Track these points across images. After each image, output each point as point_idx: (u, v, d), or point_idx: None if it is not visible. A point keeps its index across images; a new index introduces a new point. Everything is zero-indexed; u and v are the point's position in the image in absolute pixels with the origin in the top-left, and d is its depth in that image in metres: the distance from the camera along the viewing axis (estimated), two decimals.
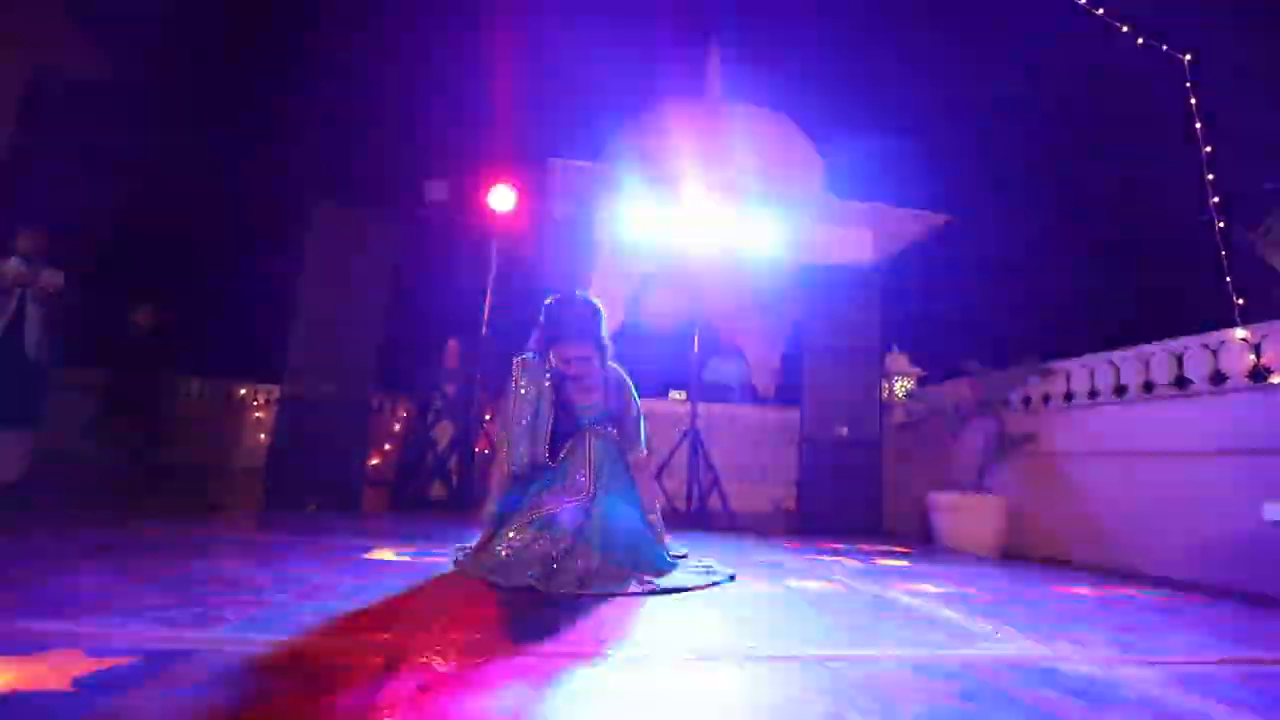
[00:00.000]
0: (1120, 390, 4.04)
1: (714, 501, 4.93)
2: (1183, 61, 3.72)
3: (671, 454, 5.21)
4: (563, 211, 4.95)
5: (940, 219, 6.83)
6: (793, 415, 6.11)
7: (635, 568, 2.09)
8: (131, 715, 0.88)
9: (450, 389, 5.28)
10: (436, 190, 5.01)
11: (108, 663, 1.06)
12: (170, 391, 7.32)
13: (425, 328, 5.44)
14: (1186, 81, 3.76)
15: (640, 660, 1.34)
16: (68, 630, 1.22)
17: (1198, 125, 3.66)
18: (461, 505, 4.61)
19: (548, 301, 2.41)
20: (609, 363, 2.50)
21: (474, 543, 2.34)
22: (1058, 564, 3.77)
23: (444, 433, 5.13)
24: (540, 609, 1.73)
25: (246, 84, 8.02)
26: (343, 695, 1.00)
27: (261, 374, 8.17)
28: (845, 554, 3.48)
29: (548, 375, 2.34)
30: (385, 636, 1.34)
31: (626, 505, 2.20)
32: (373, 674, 1.11)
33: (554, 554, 2.01)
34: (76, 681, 0.98)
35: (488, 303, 4.95)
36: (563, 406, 2.34)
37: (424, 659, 1.21)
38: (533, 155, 5.66)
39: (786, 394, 7.63)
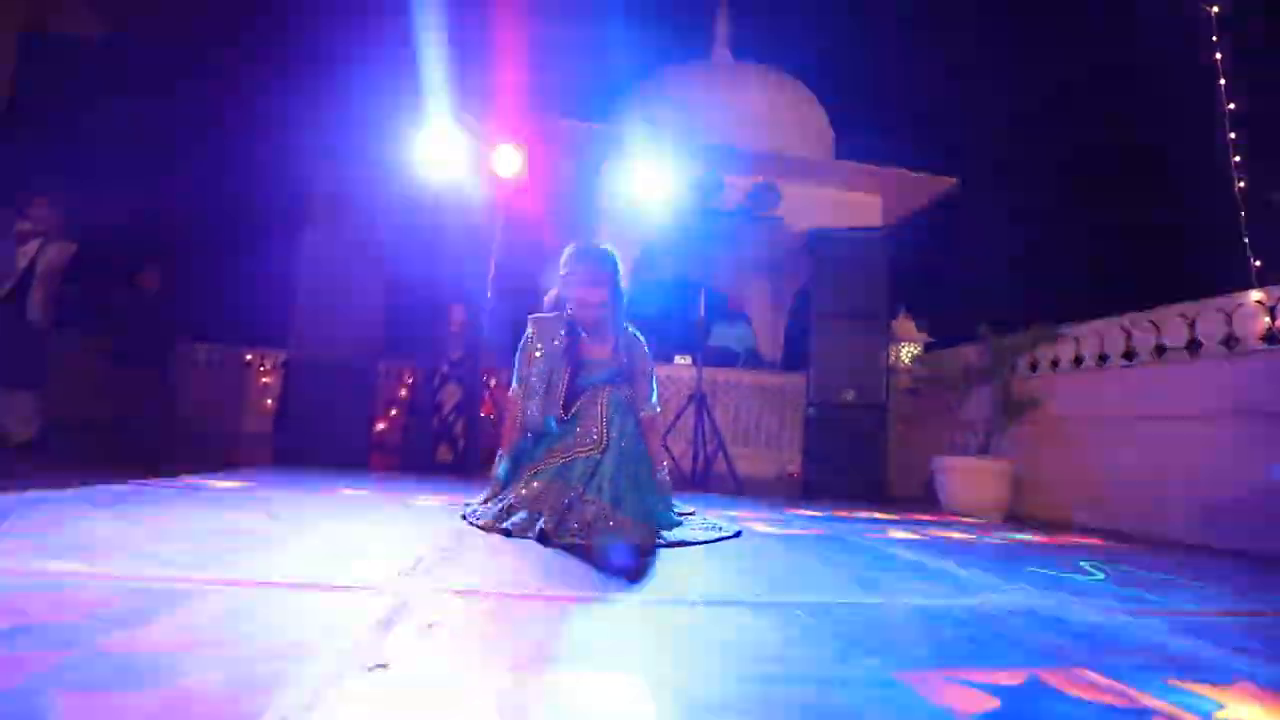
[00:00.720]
0: (1130, 355, 4.00)
1: (719, 466, 4.95)
2: (1209, 14, 3.59)
3: (676, 419, 5.22)
4: (568, 174, 4.88)
5: (950, 182, 6.71)
6: (798, 381, 6.11)
7: (643, 520, 2.11)
8: (148, 642, 0.90)
9: (455, 354, 5.29)
10: (439, 151, 4.93)
11: (122, 599, 1.08)
12: (176, 356, 7.34)
13: (430, 292, 5.42)
14: (1214, 36, 3.63)
15: (648, 604, 1.36)
16: (83, 571, 1.24)
17: (1221, 82, 3.55)
18: (468, 468, 4.65)
19: (566, 251, 2.38)
20: (623, 325, 2.48)
21: (482, 497, 2.37)
22: (1063, 527, 3.79)
23: (450, 397, 5.15)
24: (547, 556, 1.74)
25: (244, 34, 7.85)
26: (354, 630, 1.02)
27: (268, 340, 8.17)
28: (851, 515, 3.50)
29: (563, 332, 2.33)
30: (396, 581, 1.36)
31: (636, 459, 2.21)
32: (384, 611, 1.12)
33: (564, 503, 2.03)
34: (93, 615, 0.99)
35: (492, 267, 4.92)
36: (576, 362, 2.34)
37: (433, 600, 1.23)
38: (537, 116, 5.55)
39: (792, 359, 7.61)
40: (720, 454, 4.91)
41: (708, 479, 4.89)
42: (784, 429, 6.55)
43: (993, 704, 0.89)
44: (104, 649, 0.86)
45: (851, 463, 4.94)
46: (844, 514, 3.53)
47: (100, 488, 2.42)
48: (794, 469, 6.26)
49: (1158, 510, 3.55)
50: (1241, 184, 3.52)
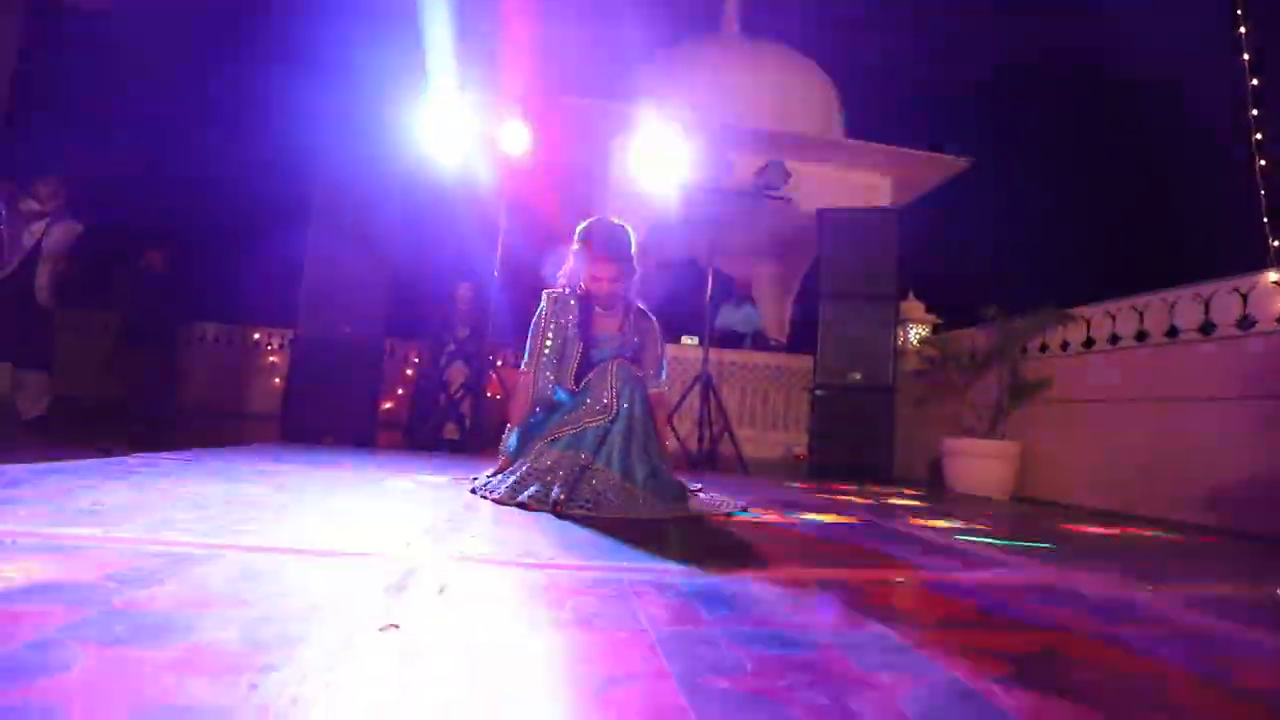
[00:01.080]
0: (1141, 336, 3.96)
1: (725, 447, 4.95)
2: None
3: (683, 399, 5.22)
4: (576, 151, 4.83)
5: (961, 163, 6.63)
6: (805, 362, 6.09)
7: (652, 492, 2.11)
8: (163, 601, 0.90)
9: (462, 332, 5.28)
10: (445, 127, 4.88)
11: (137, 562, 1.09)
12: (185, 335, 7.38)
13: (437, 270, 5.40)
14: (1238, 9, 3.54)
15: (657, 573, 1.36)
16: (97, 536, 1.25)
17: (1245, 56, 3.46)
18: (474, 446, 4.67)
19: (581, 226, 2.39)
20: (635, 301, 2.48)
21: (491, 470, 2.38)
22: (1072, 508, 3.78)
23: (456, 375, 5.15)
24: (558, 527, 1.75)
25: (247, 13, 7.78)
26: (366, 593, 1.02)
27: (275, 318, 8.20)
28: (858, 495, 3.51)
29: (575, 305, 2.34)
30: (404, 549, 1.37)
31: (645, 432, 2.21)
32: (395, 577, 1.13)
33: (575, 473, 2.04)
34: (109, 576, 1.00)
35: (499, 245, 4.89)
36: (589, 336, 2.35)
37: (444, 566, 1.23)
38: (545, 93, 5.48)
39: (799, 341, 7.58)
40: (726, 435, 4.91)
41: (714, 459, 4.89)
42: (790, 410, 6.55)
43: (1007, 669, 0.88)
44: (120, 607, 0.86)
45: (858, 444, 4.92)
46: (852, 493, 3.53)
47: (110, 460, 2.44)
48: (800, 450, 6.27)
49: (1168, 492, 3.53)
50: (1263, 162, 3.45)
